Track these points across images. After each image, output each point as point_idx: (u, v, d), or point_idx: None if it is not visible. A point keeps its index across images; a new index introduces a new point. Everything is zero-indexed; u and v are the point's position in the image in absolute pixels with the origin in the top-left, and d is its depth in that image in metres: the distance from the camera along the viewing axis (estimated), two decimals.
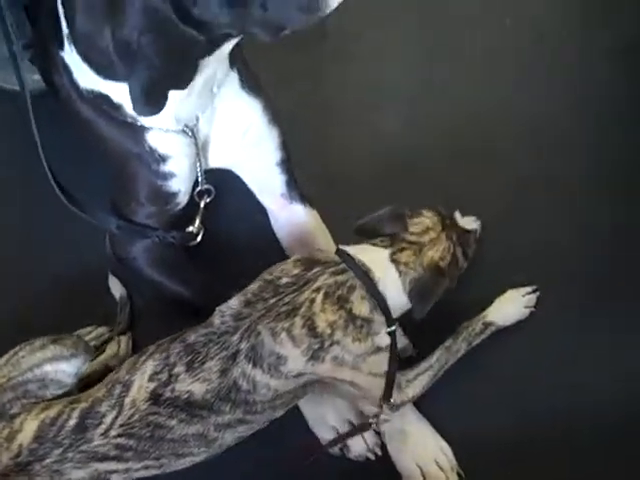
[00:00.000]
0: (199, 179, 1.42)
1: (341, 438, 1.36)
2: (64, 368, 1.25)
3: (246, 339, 1.19)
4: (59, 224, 1.59)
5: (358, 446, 1.38)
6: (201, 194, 1.43)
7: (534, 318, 1.49)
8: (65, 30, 1.25)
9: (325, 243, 1.52)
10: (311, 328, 1.19)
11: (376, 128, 1.79)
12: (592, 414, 1.41)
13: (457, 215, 1.35)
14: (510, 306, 1.48)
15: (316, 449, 1.36)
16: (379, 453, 1.38)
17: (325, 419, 1.38)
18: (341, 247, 1.29)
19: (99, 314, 1.51)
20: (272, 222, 1.61)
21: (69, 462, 1.15)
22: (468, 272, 1.38)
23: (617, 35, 1.95)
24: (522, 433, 1.40)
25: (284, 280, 1.24)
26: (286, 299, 1.22)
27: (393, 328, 1.25)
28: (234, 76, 1.39)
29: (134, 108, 1.15)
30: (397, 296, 1.26)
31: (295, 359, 1.19)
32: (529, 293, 1.51)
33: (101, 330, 1.49)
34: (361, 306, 1.22)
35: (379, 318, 1.23)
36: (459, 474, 1.35)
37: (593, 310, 1.53)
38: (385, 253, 1.27)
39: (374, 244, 1.29)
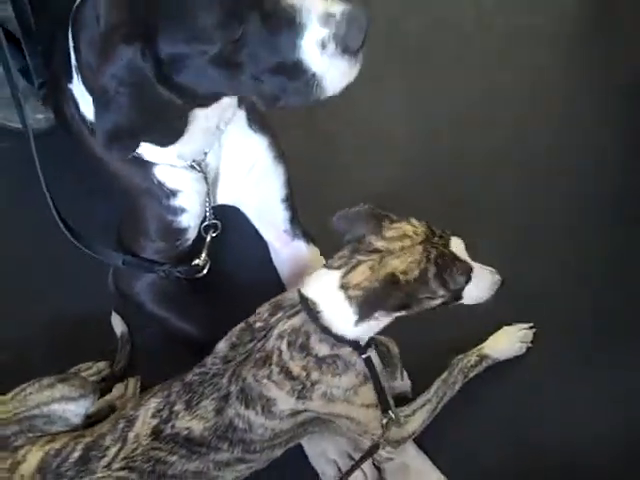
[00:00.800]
0: (207, 214, 1.44)
1: (353, 467, 1.34)
2: (72, 408, 1.27)
3: (234, 382, 1.21)
4: (61, 260, 1.62)
5: None
6: (207, 228, 1.45)
7: (533, 354, 1.51)
8: (74, 61, 1.28)
9: None
10: (288, 373, 1.20)
11: (374, 169, 1.82)
12: (591, 449, 1.43)
13: (454, 240, 1.20)
14: (505, 341, 1.49)
15: None
16: None
17: (325, 453, 1.39)
18: (304, 281, 1.24)
19: (100, 351, 1.52)
20: (273, 258, 1.62)
21: None
22: (465, 311, 1.38)
23: (618, 75, 2.01)
24: (520, 467, 1.41)
25: (257, 324, 1.25)
26: (259, 345, 1.23)
27: (368, 354, 1.22)
28: (242, 114, 1.42)
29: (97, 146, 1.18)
30: (352, 324, 1.18)
31: (283, 400, 1.21)
32: (525, 329, 1.53)
33: (101, 365, 1.50)
34: (322, 348, 1.20)
35: (345, 349, 1.21)
36: None
37: (592, 346, 1.55)
38: (335, 279, 1.18)
39: (329, 266, 1.21)
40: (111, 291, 1.54)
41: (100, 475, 1.16)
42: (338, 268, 1.19)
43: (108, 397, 1.43)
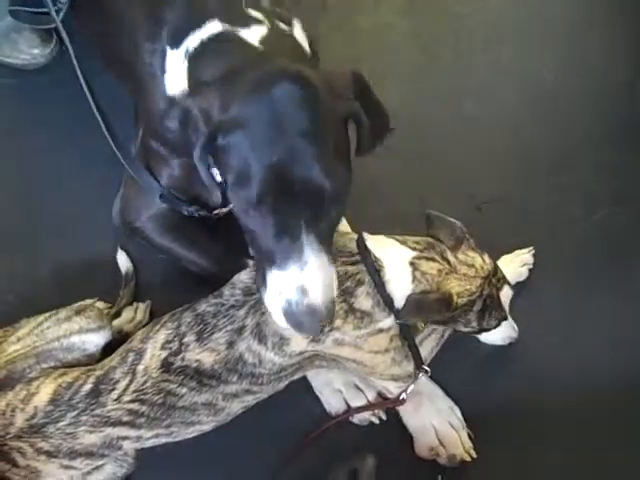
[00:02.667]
0: None
1: (365, 408, 1.39)
2: (92, 339, 1.29)
3: (252, 315, 1.21)
4: (67, 198, 1.61)
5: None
6: None
7: (533, 282, 1.53)
8: (191, 46, 1.25)
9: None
10: None
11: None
12: (590, 373, 1.46)
13: (506, 288, 1.29)
14: (507, 267, 1.46)
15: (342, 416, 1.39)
16: (384, 418, 1.41)
17: (331, 383, 1.41)
18: (363, 236, 1.27)
19: (105, 289, 1.51)
20: None
21: (83, 425, 1.18)
22: None
23: None
24: (524, 394, 1.45)
25: None
26: None
27: (402, 321, 1.24)
28: None
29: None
30: (402, 297, 1.23)
31: (297, 340, 1.21)
32: (524, 254, 1.54)
33: (100, 305, 1.47)
34: (363, 302, 1.22)
35: (380, 312, 1.23)
36: (468, 434, 1.39)
37: (589, 272, 1.57)
38: (408, 255, 1.24)
39: (403, 242, 1.27)
40: (116, 224, 1.53)
41: (111, 407, 1.18)
42: (413, 249, 1.25)
43: (116, 322, 1.44)
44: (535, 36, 1.91)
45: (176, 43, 1.26)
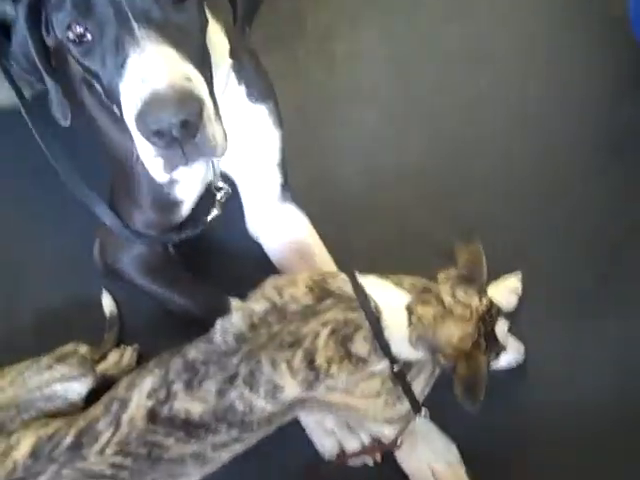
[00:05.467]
0: (214, 176, 1.39)
1: (360, 453, 1.36)
2: (75, 387, 1.27)
3: (246, 364, 1.18)
4: (45, 241, 1.60)
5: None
6: (218, 188, 1.40)
7: (524, 313, 1.50)
8: None
9: (317, 247, 1.52)
10: (310, 362, 1.18)
11: (359, 127, 1.76)
12: (586, 406, 1.43)
13: (501, 321, 1.27)
14: (496, 296, 1.40)
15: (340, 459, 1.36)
16: (378, 459, 1.38)
17: (323, 423, 1.38)
18: (360, 279, 1.25)
19: (90, 333, 1.48)
20: (260, 228, 1.56)
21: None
22: None
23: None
24: (522, 427, 1.42)
25: (292, 307, 1.21)
26: (291, 327, 1.19)
27: (400, 368, 1.22)
28: (242, 89, 1.37)
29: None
30: (401, 344, 1.22)
31: (291, 388, 1.18)
32: (512, 279, 1.51)
33: (83, 350, 1.41)
34: (361, 347, 1.19)
35: (375, 357, 1.20)
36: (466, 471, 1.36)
37: (582, 295, 1.54)
38: (403, 299, 1.23)
39: (398, 284, 1.25)
40: (97, 267, 1.50)
41: (93, 461, 1.14)
42: (409, 291, 1.24)
43: (102, 366, 1.41)
44: (518, 58, 1.88)
45: None
